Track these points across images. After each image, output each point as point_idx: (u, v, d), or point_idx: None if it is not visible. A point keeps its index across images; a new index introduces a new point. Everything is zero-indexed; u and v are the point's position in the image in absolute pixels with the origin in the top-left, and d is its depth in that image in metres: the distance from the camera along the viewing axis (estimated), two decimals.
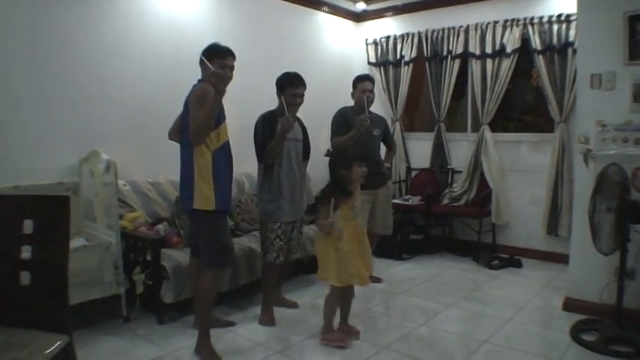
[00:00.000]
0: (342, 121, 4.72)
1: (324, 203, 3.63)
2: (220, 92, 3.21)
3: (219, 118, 3.36)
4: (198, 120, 3.21)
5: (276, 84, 4.09)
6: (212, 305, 3.58)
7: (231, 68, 3.47)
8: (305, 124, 4.32)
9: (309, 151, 4.41)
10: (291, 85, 4.02)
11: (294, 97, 4.02)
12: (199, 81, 3.38)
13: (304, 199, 4.30)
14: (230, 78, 3.46)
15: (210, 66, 3.31)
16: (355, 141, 4.47)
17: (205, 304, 3.51)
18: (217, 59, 3.39)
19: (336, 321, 3.92)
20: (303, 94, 4.12)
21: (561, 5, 5.55)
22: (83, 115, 4.37)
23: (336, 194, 3.61)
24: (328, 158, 3.88)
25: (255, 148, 4.06)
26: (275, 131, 3.95)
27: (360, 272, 3.67)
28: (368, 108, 4.67)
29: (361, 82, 4.83)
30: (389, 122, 6.19)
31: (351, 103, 4.93)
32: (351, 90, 4.92)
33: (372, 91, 4.82)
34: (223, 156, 3.45)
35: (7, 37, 3.92)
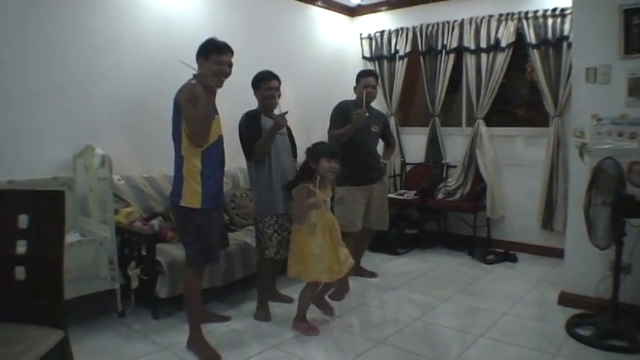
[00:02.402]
0: (342, 114, 4.68)
1: (299, 190, 3.78)
2: (211, 92, 3.16)
3: None
4: (195, 122, 3.18)
5: (251, 85, 4.10)
6: (198, 301, 3.56)
7: (230, 64, 3.43)
8: (298, 118, 4.30)
9: (296, 149, 4.39)
10: (262, 80, 4.02)
11: (270, 91, 3.99)
12: (194, 76, 3.31)
13: None
14: (228, 74, 3.43)
15: (192, 67, 3.25)
16: (351, 135, 4.46)
17: (190, 301, 3.51)
18: (214, 55, 3.35)
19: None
20: (279, 88, 4.09)
21: None
22: (78, 110, 4.35)
23: (305, 182, 3.79)
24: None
25: (242, 145, 4.03)
26: (261, 126, 3.95)
27: (330, 268, 3.78)
28: (368, 103, 4.65)
29: (364, 77, 4.78)
30: None
31: (352, 96, 4.90)
32: (354, 84, 4.87)
33: (374, 87, 4.77)
34: (215, 152, 3.42)
35: (1, 33, 3.89)
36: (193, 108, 3.18)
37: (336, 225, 3.92)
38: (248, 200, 5.01)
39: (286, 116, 3.87)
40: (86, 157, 4.17)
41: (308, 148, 3.93)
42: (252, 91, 4.11)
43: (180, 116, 3.27)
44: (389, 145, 5.22)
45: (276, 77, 4.09)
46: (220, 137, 3.48)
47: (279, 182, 4.01)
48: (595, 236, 3.68)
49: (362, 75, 4.83)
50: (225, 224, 4.19)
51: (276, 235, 4.01)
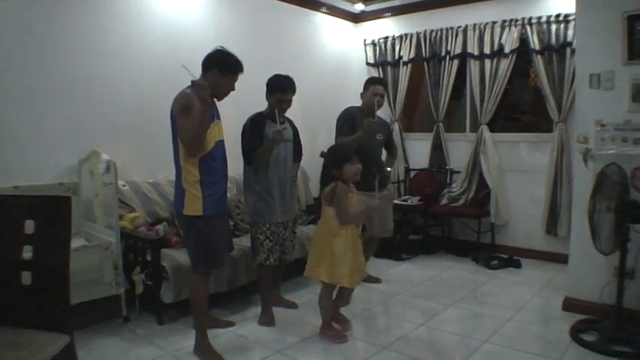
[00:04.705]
0: (348, 120, 4.67)
1: (340, 190, 3.64)
2: (206, 103, 3.16)
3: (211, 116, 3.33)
4: (189, 133, 3.18)
5: (266, 86, 4.05)
6: (204, 306, 3.57)
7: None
8: (303, 124, 4.29)
9: (301, 153, 4.39)
10: (279, 90, 3.97)
11: (280, 103, 3.97)
12: (192, 82, 3.29)
13: (294, 199, 4.30)
14: (232, 90, 3.46)
15: (194, 75, 3.25)
16: (357, 143, 4.45)
17: (196, 305, 3.51)
18: (231, 75, 3.38)
19: None
20: (291, 100, 4.06)
21: (559, 5, 5.55)
22: (83, 115, 4.38)
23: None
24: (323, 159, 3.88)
25: (242, 150, 4.03)
26: (264, 133, 3.94)
27: (349, 275, 3.68)
28: (376, 112, 4.62)
29: (373, 84, 4.74)
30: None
31: (356, 102, 4.89)
32: (358, 90, 4.85)
33: (382, 95, 4.74)
34: (215, 159, 3.39)
35: (6, 38, 3.93)
36: (186, 118, 3.18)
37: (358, 234, 3.85)
38: None
39: (292, 118, 3.85)
40: (91, 163, 4.19)
41: (325, 155, 3.89)
42: (256, 94, 4.12)
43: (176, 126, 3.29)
44: (391, 153, 5.21)
45: (293, 90, 4.04)
46: (220, 142, 3.45)
47: (277, 191, 4.01)
48: (599, 242, 3.67)
49: (371, 82, 4.80)
50: (231, 230, 4.20)
51: (267, 241, 4.01)
